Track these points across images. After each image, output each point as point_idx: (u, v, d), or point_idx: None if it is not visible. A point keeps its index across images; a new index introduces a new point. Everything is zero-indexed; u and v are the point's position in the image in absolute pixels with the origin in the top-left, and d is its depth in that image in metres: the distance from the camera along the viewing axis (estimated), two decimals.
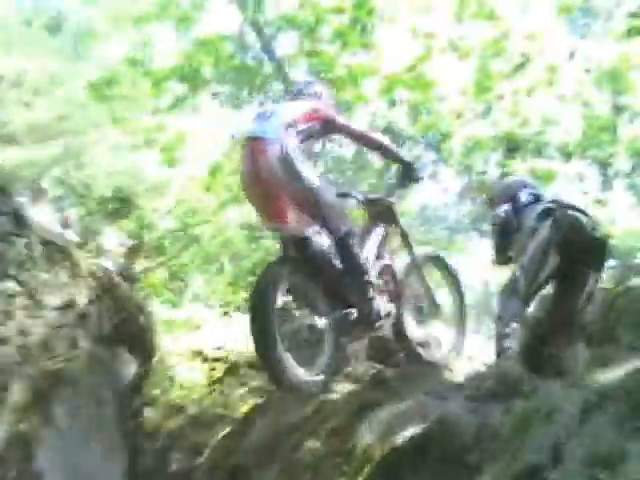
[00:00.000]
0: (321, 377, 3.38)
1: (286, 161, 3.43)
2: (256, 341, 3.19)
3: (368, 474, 2.62)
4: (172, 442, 3.43)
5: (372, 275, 3.66)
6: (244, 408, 3.52)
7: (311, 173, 3.50)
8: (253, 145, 3.52)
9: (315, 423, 3.20)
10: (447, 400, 3.12)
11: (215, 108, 12.75)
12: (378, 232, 3.96)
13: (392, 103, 10.22)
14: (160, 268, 10.51)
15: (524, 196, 3.99)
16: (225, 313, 5.48)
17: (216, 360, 4.08)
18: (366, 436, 2.97)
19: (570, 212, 3.69)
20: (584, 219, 3.71)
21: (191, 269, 13.93)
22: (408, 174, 3.97)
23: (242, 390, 3.80)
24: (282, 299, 3.32)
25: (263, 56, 11.35)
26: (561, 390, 2.30)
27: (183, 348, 4.28)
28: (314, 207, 3.47)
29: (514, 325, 3.57)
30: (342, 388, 3.32)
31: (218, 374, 3.99)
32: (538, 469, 1.89)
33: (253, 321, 3.19)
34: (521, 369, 3.17)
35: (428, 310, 4.10)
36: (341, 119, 3.85)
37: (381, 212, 3.97)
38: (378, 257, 3.88)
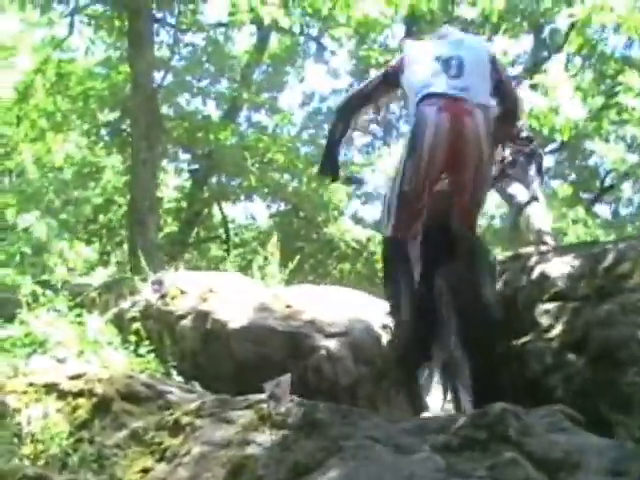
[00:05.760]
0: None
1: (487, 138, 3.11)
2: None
3: None
4: None
5: None
6: (134, 470, 2.61)
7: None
8: (455, 108, 3.09)
9: None
10: (408, 453, 2.41)
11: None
12: None
13: None
14: None
15: None
16: (78, 316, 4.28)
17: (78, 395, 3.05)
18: None
19: None
20: None
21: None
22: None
23: (120, 435, 2.86)
24: None
25: None
26: None
27: (29, 380, 3.18)
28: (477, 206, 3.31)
29: None
30: (265, 438, 2.51)
31: (84, 415, 2.99)
32: None
33: None
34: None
35: None
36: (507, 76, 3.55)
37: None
38: None
